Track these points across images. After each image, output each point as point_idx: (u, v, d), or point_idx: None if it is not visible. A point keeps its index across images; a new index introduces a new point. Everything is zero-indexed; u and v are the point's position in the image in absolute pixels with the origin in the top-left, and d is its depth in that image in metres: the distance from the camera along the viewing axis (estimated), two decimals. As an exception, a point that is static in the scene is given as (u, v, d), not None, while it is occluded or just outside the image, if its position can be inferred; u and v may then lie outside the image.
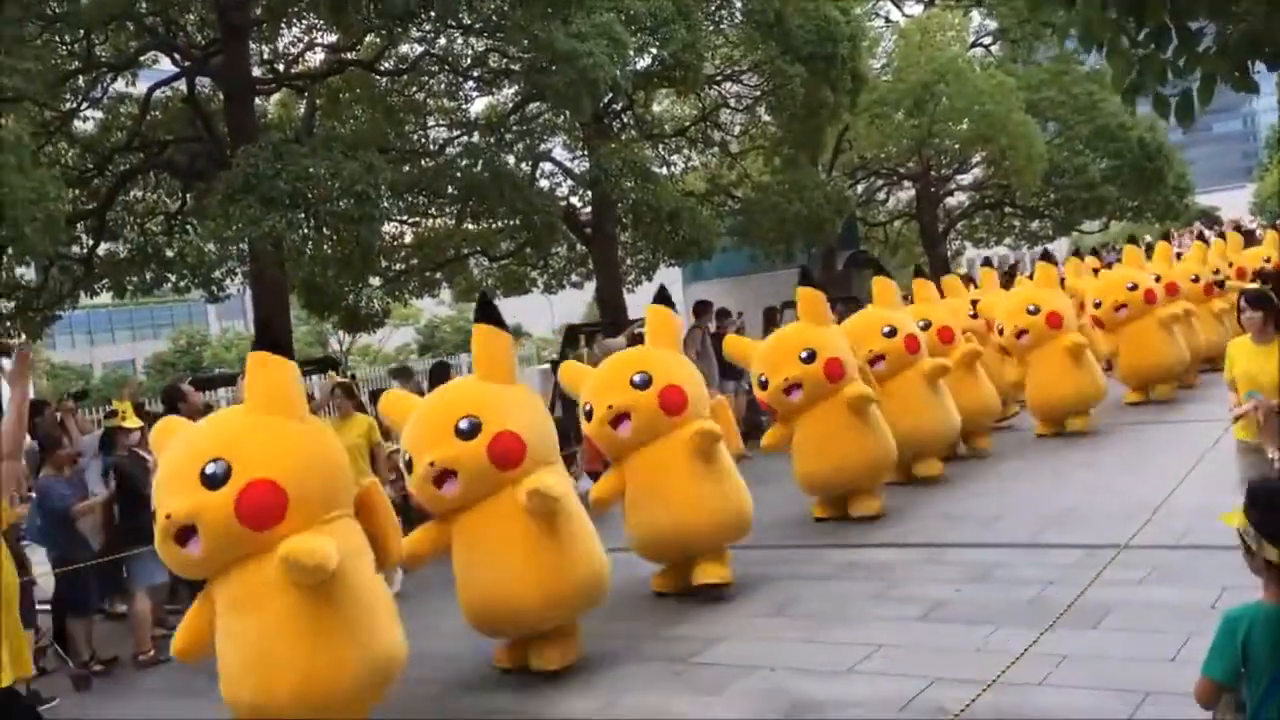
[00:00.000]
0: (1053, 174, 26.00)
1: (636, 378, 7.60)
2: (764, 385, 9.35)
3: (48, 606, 8.29)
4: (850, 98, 18.38)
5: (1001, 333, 12.43)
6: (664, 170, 19.14)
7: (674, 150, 20.75)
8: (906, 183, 28.81)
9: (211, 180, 11.27)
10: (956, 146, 25.59)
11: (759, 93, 19.02)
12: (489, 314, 6.76)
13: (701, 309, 14.66)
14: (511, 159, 16.46)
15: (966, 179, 28.87)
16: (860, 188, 27.71)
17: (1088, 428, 12.11)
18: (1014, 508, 9.33)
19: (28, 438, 8.51)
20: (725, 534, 7.77)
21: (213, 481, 5.06)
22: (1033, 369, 12.13)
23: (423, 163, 15.77)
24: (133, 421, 8.42)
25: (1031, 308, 12.24)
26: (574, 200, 18.60)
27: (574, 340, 15.37)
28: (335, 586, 5.07)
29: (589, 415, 7.74)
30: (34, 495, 8.36)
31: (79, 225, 12.87)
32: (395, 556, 5.97)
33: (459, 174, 14.81)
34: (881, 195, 30.01)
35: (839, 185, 20.51)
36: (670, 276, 23.76)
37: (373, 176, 10.81)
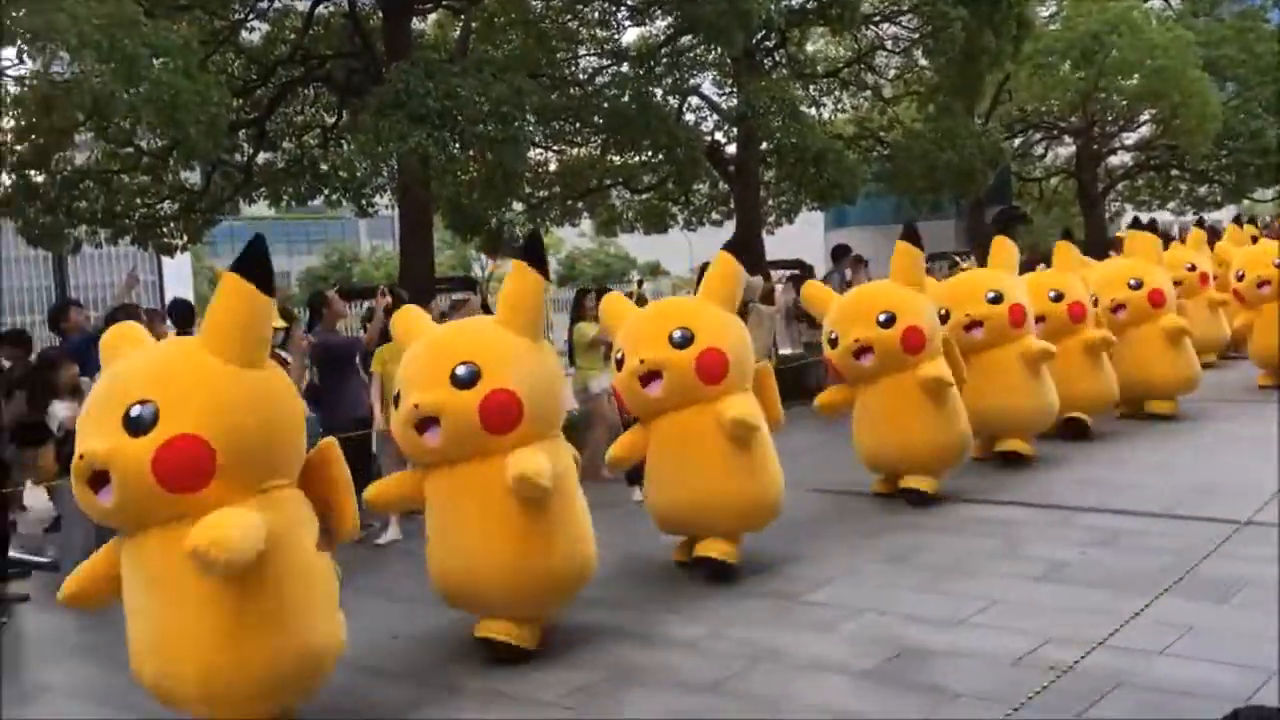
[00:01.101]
0: (1226, 137, 24.63)
1: (677, 334, 6.83)
2: (833, 343, 8.57)
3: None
4: (1014, 45, 17.67)
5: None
6: (813, 111, 18.76)
7: (825, 92, 20.33)
8: (1067, 138, 27.70)
9: (366, 96, 11.51)
10: (1124, 102, 24.45)
11: (917, 35, 18.45)
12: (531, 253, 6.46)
13: (840, 253, 14.44)
14: (659, 92, 16.35)
15: (1132, 138, 27.59)
16: (1017, 141, 26.76)
17: (1175, 412, 11.42)
18: (1149, 477, 9.03)
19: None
20: (747, 522, 7.08)
21: (138, 425, 4.33)
22: (1125, 347, 10.93)
23: (571, 91, 15.81)
24: (277, 322, 8.75)
25: (1134, 281, 11.29)
26: (719, 136, 18.42)
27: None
28: (258, 573, 4.37)
29: (619, 364, 7.10)
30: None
31: (240, 133, 13.32)
32: (348, 530, 5.06)
33: (606, 103, 14.80)
34: (1039, 150, 28.94)
35: (994, 136, 19.77)
36: (812, 221, 23.47)
37: (519, 99, 10.91)
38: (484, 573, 5.58)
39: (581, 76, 16.69)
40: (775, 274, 16.32)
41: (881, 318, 8.31)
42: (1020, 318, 9.42)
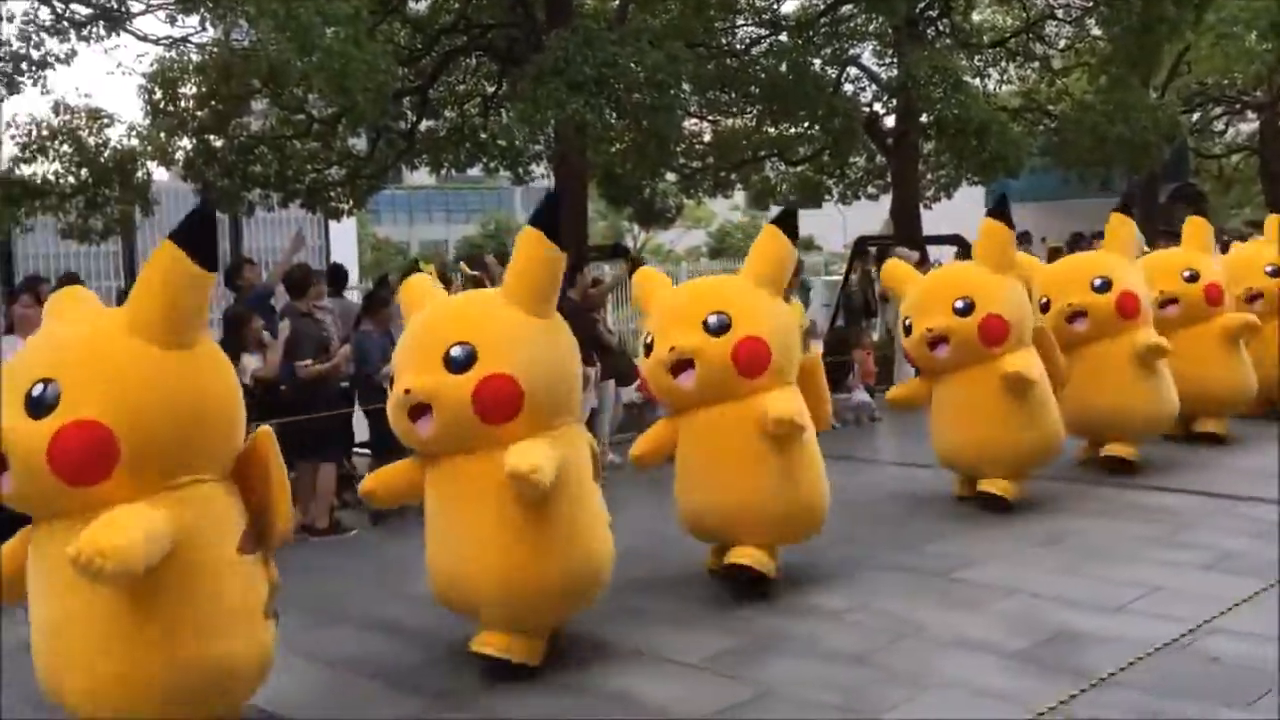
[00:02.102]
0: None
1: (712, 319, 6.08)
2: (907, 330, 7.91)
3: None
4: (1195, 14, 16.77)
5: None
6: (976, 82, 18.20)
7: (990, 63, 19.69)
8: (1250, 113, 26.22)
9: (525, 65, 11.68)
10: (1314, 75, 22.98)
11: (1090, 3, 17.70)
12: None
13: (1001, 228, 13.99)
14: (818, 62, 16.12)
15: (1322, 113, 25.94)
16: (1195, 115, 25.46)
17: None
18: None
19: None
20: (781, 533, 6.25)
21: (38, 407, 3.85)
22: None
23: (728, 60, 15.72)
24: (435, 282, 8.98)
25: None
26: (878, 108, 18.06)
27: (863, 253, 15.07)
28: (156, 580, 3.84)
29: (648, 350, 6.37)
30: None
31: (405, 101, 13.68)
32: (281, 532, 4.40)
33: (763, 73, 14.68)
34: (1219, 125, 27.49)
35: (1171, 110, 18.85)
36: (972, 196, 22.79)
37: (675, 68, 10.91)
38: (476, 578, 4.98)
39: (739, 46, 16.57)
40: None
41: (959, 304, 7.54)
42: (1132, 308, 8.50)
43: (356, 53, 9.55)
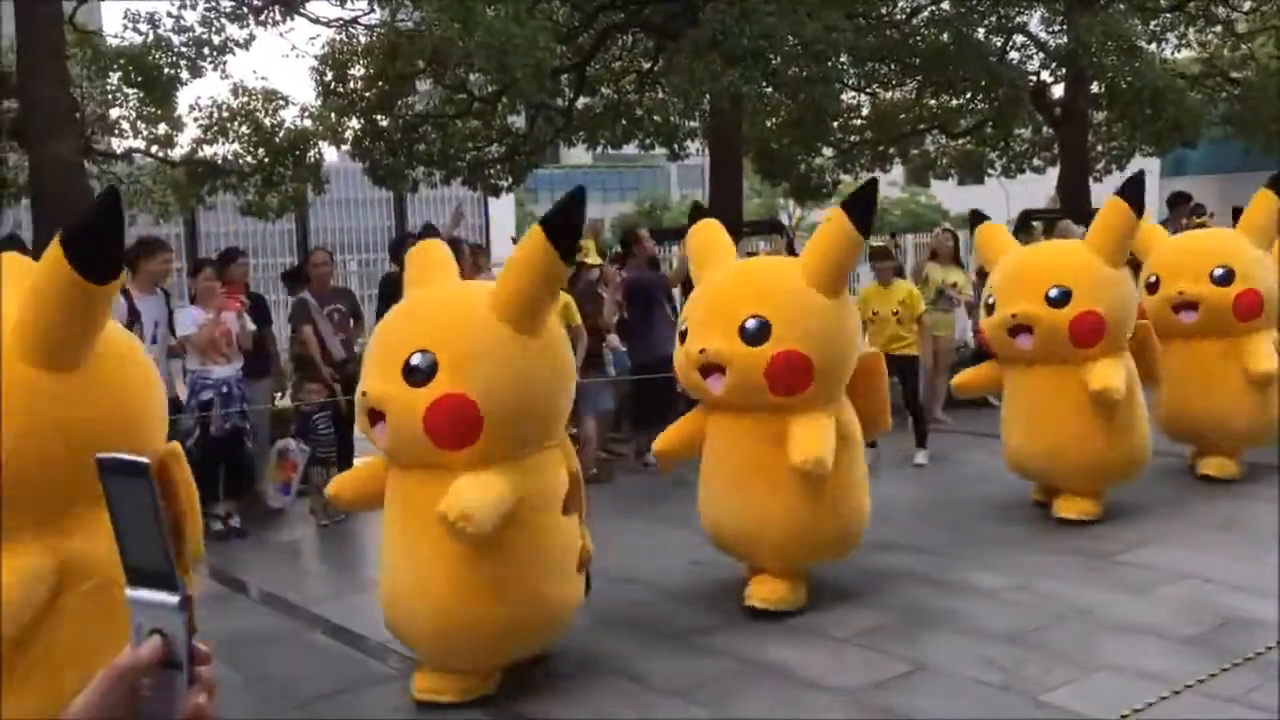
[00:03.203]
0: None
1: (750, 324, 5.34)
2: (990, 309, 7.08)
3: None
4: (1398, -32, 15.67)
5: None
6: (1152, 48, 17.36)
7: (1167, 27, 18.75)
8: None
9: (681, 39, 11.68)
10: None
11: (1280, -38, 16.71)
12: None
13: (1177, 201, 13.37)
14: (982, 30, 15.63)
15: None
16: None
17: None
18: None
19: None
20: (806, 555, 5.67)
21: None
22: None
23: (887, 31, 15.39)
24: (594, 259, 9.11)
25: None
26: (1045, 77, 17.41)
27: (1028, 227, 14.61)
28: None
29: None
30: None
31: (563, 78, 13.85)
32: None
33: (923, 43, 14.32)
34: None
35: (1368, 73, 17.63)
36: (1146, 168, 21.84)
37: (833, 38, 10.75)
38: (412, 613, 4.61)
39: (899, 16, 16.19)
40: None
41: (1053, 293, 6.66)
42: (1251, 308, 7.48)
43: (517, 30, 9.72)
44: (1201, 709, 4.32)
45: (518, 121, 15.00)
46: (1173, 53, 19.22)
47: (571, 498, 4.69)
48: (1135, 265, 7.67)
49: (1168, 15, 18.40)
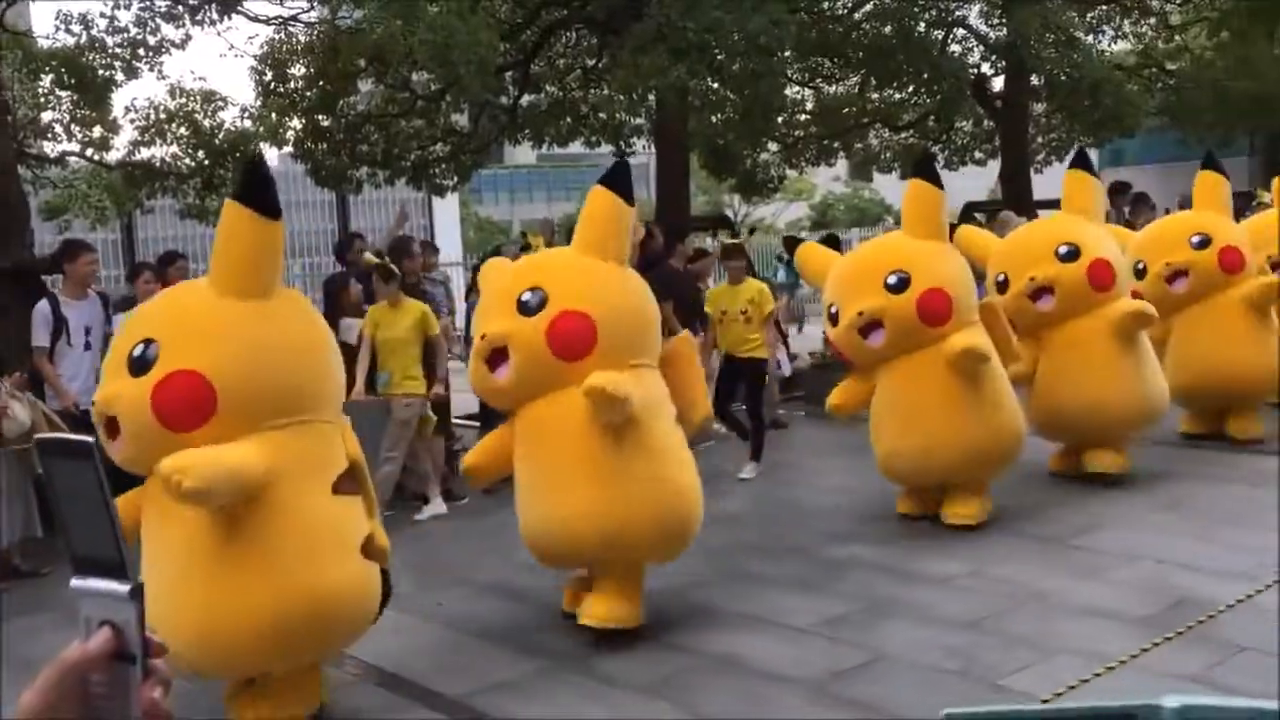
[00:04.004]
0: None
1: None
2: (834, 320, 6.95)
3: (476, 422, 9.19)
4: (1325, -40, 15.99)
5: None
6: (1090, 39, 17.60)
7: (1103, 19, 19.02)
8: (1385, 65, 24.91)
9: (625, 34, 11.64)
10: None
11: (1212, -46, 16.99)
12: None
13: (1118, 190, 13.55)
14: (923, 24, 15.75)
15: None
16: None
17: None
18: None
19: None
20: (627, 553, 5.25)
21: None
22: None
23: (830, 25, 15.45)
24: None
25: (1065, 249, 7.44)
26: (985, 69, 17.59)
27: (971, 219, 14.73)
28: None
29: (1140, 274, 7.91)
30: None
31: (507, 76, 13.75)
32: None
33: (866, 37, 14.40)
34: (1351, 79, 26.16)
35: (1299, 63, 18.00)
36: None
37: (778, 32, 10.77)
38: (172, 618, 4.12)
39: (841, 10, 16.27)
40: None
41: (891, 280, 6.50)
42: (1103, 276, 7.26)
43: (460, 25, 9.62)
44: (1159, 687, 4.35)
45: (462, 120, 14.88)
46: (1109, 44, 19.51)
47: (346, 479, 4.29)
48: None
49: (1104, 7, 18.66)
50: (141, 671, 0.89)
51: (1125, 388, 7.28)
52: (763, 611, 5.51)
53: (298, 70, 12.94)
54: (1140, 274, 8.10)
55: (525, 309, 5.01)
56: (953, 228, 7.48)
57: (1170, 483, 7.43)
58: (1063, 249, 7.32)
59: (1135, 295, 7.59)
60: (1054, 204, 15.15)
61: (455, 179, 14.92)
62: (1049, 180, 18.94)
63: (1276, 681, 4.31)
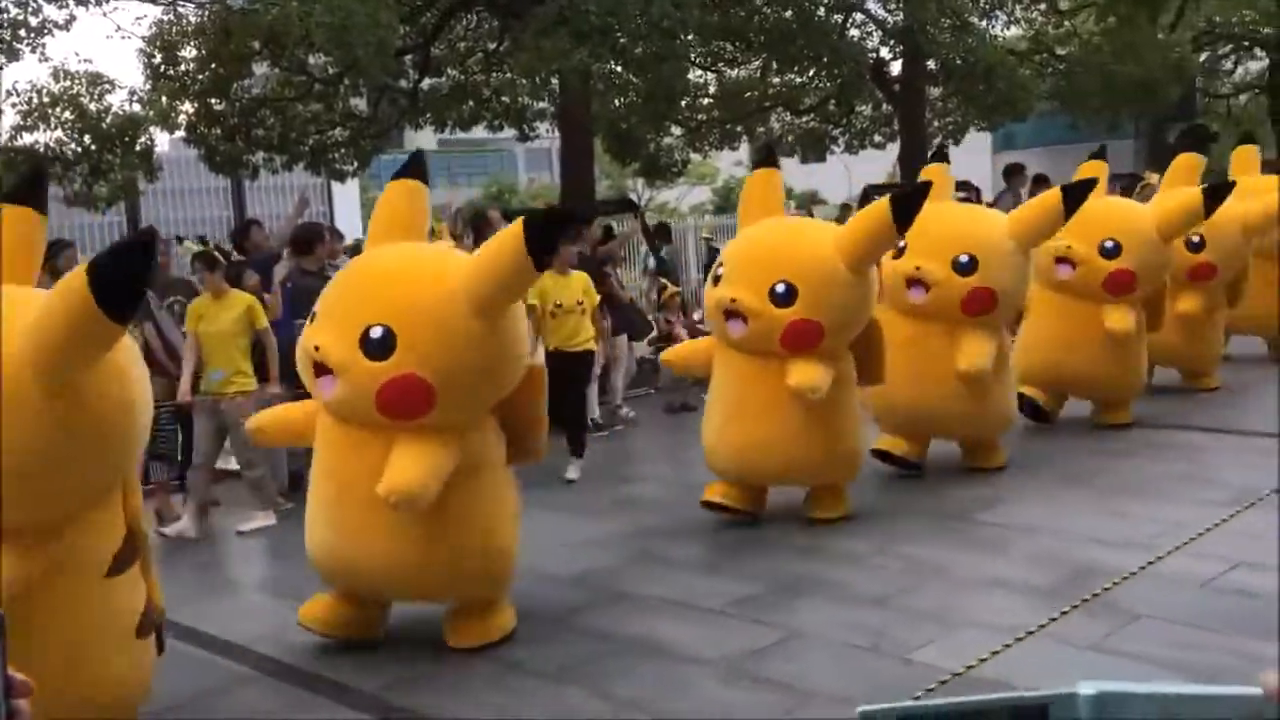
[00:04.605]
0: None
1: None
2: (715, 281, 6.84)
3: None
4: (1204, -51, 16.59)
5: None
6: (984, 24, 18.00)
7: (996, 4, 19.46)
8: (1259, 51, 25.90)
9: (527, 17, 11.54)
10: (1326, 10, 22.68)
11: (1098, -58, 17.48)
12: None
13: (1013, 172, 13.86)
14: (822, 9, 15.92)
15: (1332, 49, 25.63)
16: (1204, 55, 25.16)
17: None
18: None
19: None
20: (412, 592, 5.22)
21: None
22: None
23: (732, 9, 15.52)
24: (447, 241, 8.92)
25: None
26: (883, 53, 17.87)
27: (871, 202, 14.95)
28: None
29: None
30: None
31: (407, 59, 13.55)
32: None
33: (767, 21, 14.50)
34: (1228, 65, 27.17)
35: (1181, 48, 18.63)
36: (979, 143, 22.62)
37: (681, 14, 10.78)
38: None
39: (743, -3, 16.36)
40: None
41: (779, 289, 6.09)
42: (983, 301, 6.89)
43: (358, 6, 9.43)
44: (1061, 656, 4.47)
45: (361, 104, 14.63)
46: (1002, 30, 19.97)
47: (121, 556, 3.84)
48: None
49: (996, -8, 19.10)
50: (4, 713, 0.83)
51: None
52: (675, 594, 5.52)
53: (189, 52, 12.58)
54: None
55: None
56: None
57: (1069, 458, 7.62)
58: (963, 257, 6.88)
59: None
60: (955, 185, 15.49)
61: (355, 164, 14.67)
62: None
63: (1171, 647, 4.46)
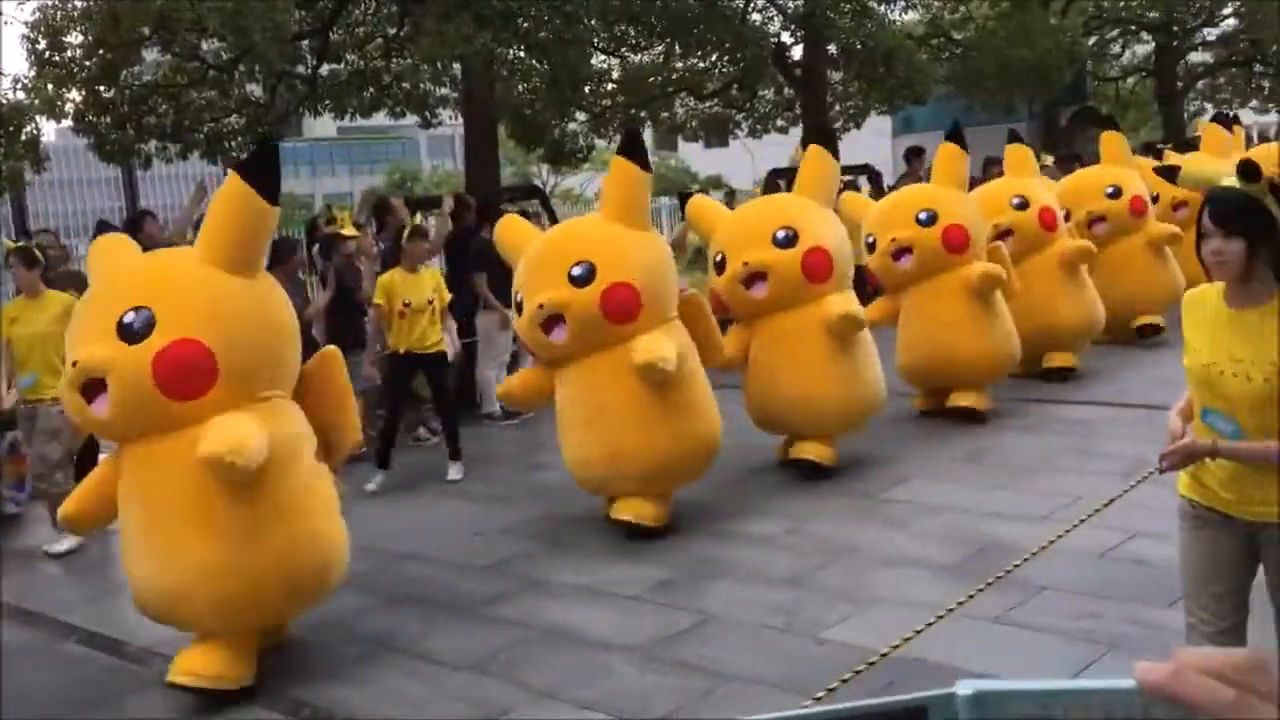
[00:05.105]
0: (1315, 29, 23.56)
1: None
2: (870, 248, 8.12)
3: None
4: (1092, -65, 17.01)
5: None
6: (882, 8, 18.24)
7: (894, -11, 19.75)
8: (1145, 34, 26.70)
9: (428, 2, 11.36)
10: (1207, -5, 23.51)
11: (990, -73, 17.81)
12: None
13: (914, 154, 14.11)
14: (724, -7, 15.97)
15: (1214, 33, 26.54)
16: (1093, 39, 25.84)
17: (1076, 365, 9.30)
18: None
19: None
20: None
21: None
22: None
23: (633, -5, 15.49)
24: (349, 231, 8.78)
25: (1111, 189, 10.03)
26: (785, 38, 17.98)
27: (775, 186, 15.07)
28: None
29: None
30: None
31: (304, 45, 13.24)
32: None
33: (669, 6, 14.47)
34: (1116, 48, 27.94)
35: (1072, 32, 19.09)
36: (879, 126, 22.94)
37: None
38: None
39: (644, -20, 16.31)
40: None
41: (922, 216, 7.84)
42: (820, 267, 6.84)
43: (252, -7, 9.19)
44: (967, 631, 4.58)
45: (257, 91, 14.25)
46: (900, 14, 20.23)
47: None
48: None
49: (893, -23, 19.35)
50: None
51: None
52: (589, 581, 5.53)
53: (75, 38, 12.12)
54: (870, 249, 8.12)
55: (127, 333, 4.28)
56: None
57: (972, 435, 7.80)
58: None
59: (867, 272, 8.40)
60: (854, 169, 15.75)
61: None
62: (848, 146, 19.54)
63: (1074, 617, 4.60)
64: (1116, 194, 9.98)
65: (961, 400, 8.10)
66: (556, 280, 5.81)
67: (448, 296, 7.95)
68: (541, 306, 5.75)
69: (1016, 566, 5.22)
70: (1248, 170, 2.93)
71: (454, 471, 7.86)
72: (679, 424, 5.93)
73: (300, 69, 13.46)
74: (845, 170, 16.53)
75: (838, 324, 6.66)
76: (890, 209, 8.32)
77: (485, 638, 4.93)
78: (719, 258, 7.01)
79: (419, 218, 11.38)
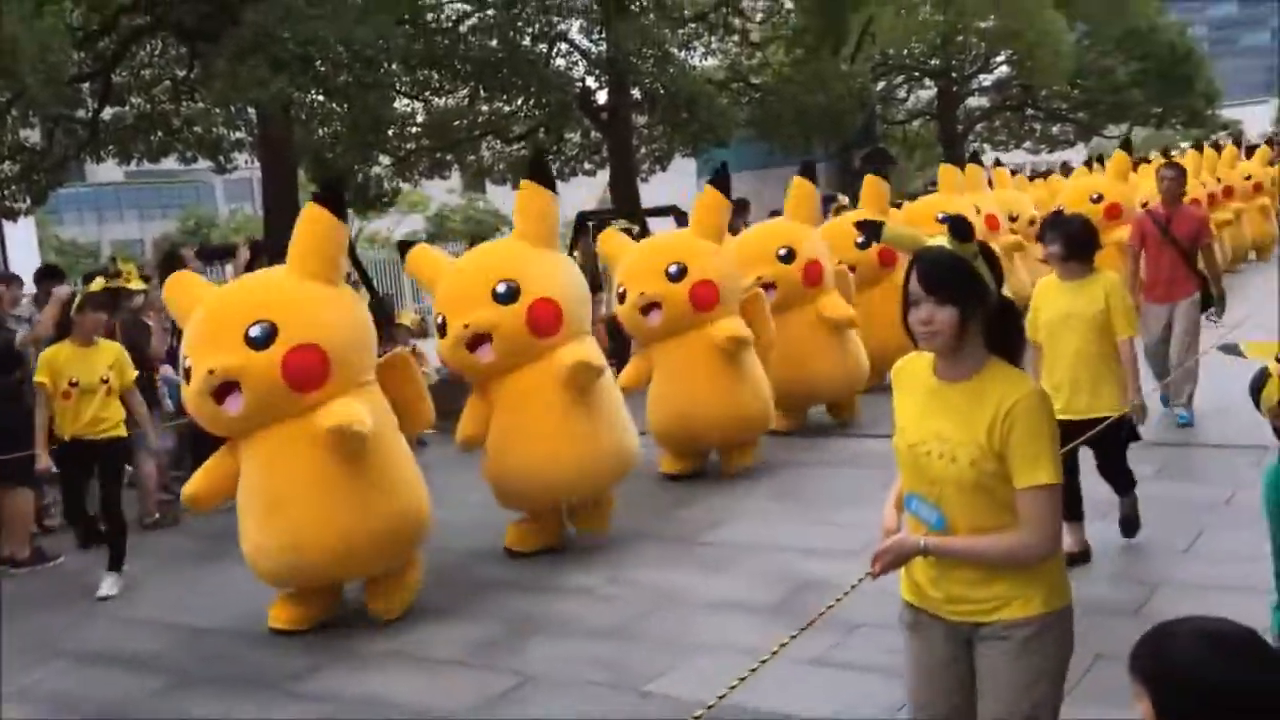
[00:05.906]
0: (1079, 75, 25.40)
1: (673, 268, 7.46)
2: (621, 298, 7.73)
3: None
4: (876, -14, 17.83)
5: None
6: (683, 55, 18.65)
7: (694, 36, 20.21)
8: (928, 80, 28.21)
9: (220, 43, 10.95)
10: (982, 44, 24.97)
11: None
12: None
13: (739, 209, 14.35)
14: (528, 38, 16.01)
15: (989, 79, 28.27)
16: (880, 84, 27.13)
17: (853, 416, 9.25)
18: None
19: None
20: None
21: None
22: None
23: (437, 38, 15.34)
24: (136, 284, 8.29)
25: (1095, 196, 12.40)
26: (590, 83, 18.16)
27: (584, 227, 15.11)
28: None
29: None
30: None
31: (84, 87, 12.57)
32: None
33: (472, 50, 14.41)
34: (901, 93, 29.40)
35: (862, 79, 19.97)
36: (685, 168, 23.36)
37: (385, 43, 10.52)
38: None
39: (447, 24, 16.21)
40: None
41: (672, 269, 7.47)
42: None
43: (24, 30, 8.63)
44: (790, 674, 4.58)
45: (33, 135, 13.44)
46: (701, 60, 20.75)
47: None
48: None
49: (693, 25, 19.82)
50: None
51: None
52: (402, 647, 5.31)
53: None
54: (621, 300, 7.80)
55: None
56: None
57: (779, 472, 7.90)
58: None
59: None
60: (662, 211, 15.97)
61: (29, 200, 13.44)
62: (654, 188, 19.87)
63: (890, 654, 4.65)
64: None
65: (740, 460, 7.91)
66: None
67: (131, 374, 6.84)
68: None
69: (830, 608, 5.26)
70: (959, 229, 2.59)
71: (106, 586, 6.49)
72: (368, 501, 5.32)
73: (80, 112, 12.75)
74: (650, 212, 16.84)
75: (568, 374, 6.11)
76: (640, 260, 7.82)
77: (293, 715, 4.65)
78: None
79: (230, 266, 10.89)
